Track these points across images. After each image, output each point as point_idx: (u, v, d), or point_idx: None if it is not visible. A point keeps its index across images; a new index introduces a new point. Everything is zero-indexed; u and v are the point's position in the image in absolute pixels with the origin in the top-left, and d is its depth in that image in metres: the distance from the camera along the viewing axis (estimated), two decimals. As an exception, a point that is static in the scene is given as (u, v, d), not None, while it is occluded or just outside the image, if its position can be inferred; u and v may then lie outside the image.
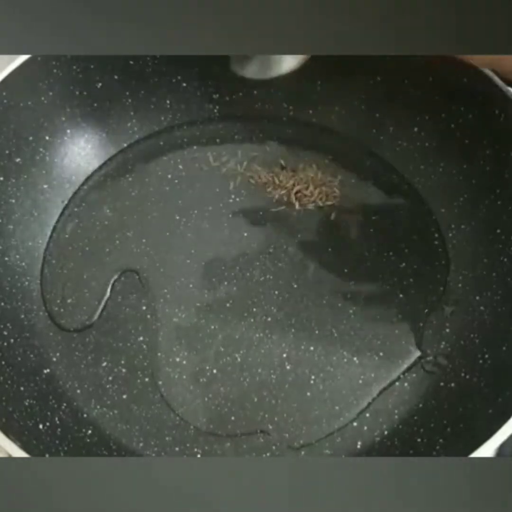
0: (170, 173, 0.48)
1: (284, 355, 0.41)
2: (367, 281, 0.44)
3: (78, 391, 0.40)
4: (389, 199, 0.47)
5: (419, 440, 0.38)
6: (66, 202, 0.47)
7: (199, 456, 0.38)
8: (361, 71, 0.46)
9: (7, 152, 0.43)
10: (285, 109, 0.50)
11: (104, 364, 0.41)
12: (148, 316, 0.43)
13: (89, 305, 0.43)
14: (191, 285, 0.44)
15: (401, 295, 0.43)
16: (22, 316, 0.42)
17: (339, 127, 0.50)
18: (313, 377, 0.40)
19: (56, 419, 0.38)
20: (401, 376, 0.40)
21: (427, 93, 0.45)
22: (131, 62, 0.47)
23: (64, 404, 0.39)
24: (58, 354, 0.41)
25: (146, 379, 0.40)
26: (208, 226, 0.46)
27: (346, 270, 0.44)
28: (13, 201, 0.44)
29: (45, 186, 0.46)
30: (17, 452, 0.31)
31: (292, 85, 0.48)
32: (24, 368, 0.39)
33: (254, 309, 0.43)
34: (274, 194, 0.47)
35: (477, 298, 0.42)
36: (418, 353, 0.41)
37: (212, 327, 0.42)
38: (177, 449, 0.38)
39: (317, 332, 0.42)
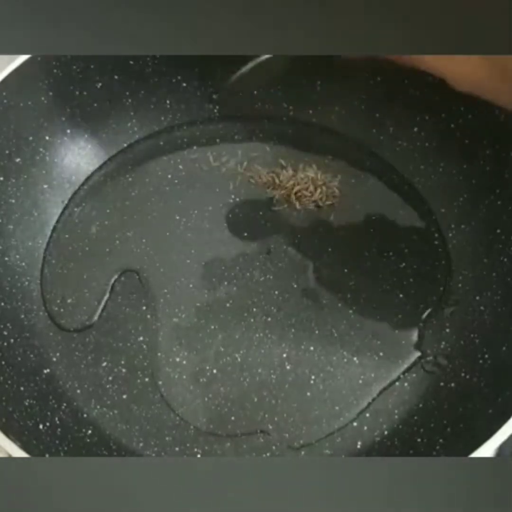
0: (170, 173, 0.48)
1: (284, 355, 0.41)
2: (367, 281, 0.44)
3: (78, 391, 0.40)
4: (389, 199, 0.47)
5: (419, 440, 0.38)
6: (66, 202, 0.47)
7: (199, 456, 0.38)
8: (361, 71, 0.46)
9: (7, 152, 0.43)
10: (285, 109, 0.50)
11: (104, 364, 0.41)
12: (148, 316, 0.43)
13: (89, 305, 0.43)
14: (191, 285, 0.44)
15: (401, 295, 0.43)
16: (22, 316, 0.42)
17: (339, 127, 0.50)
18: (313, 377, 0.40)
19: (56, 419, 0.38)
20: (401, 376, 0.40)
21: (427, 93, 0.45)
22: (131, 62, 0.47)
23: (64, 404, 0.39)
24: (58, 354, 0.41)
25: (146, 379, 0.40)
26: (208, 226, 0.46)
27: (346, 270, 0.44)
28: (13, 201, 0.44)
29: (45, 186, 0.46)
30: (17, 452, 0.31)
31: (292, 85, 0.48)
32: (24, 368, 0.39)
33: (254, 309, 0.43)
34: (274, 194, 0.47)
35: (477, 298, 0.42)
36: (418, 353, 0.41)
37: (212, 327, 0.42)
38: (177, 449, 0.38)
39: (317, 332, 0.42)
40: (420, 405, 0.39)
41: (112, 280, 0.44)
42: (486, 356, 0.39)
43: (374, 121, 0.48)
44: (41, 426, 0.37)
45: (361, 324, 0.42)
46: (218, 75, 0.48)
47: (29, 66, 0.42)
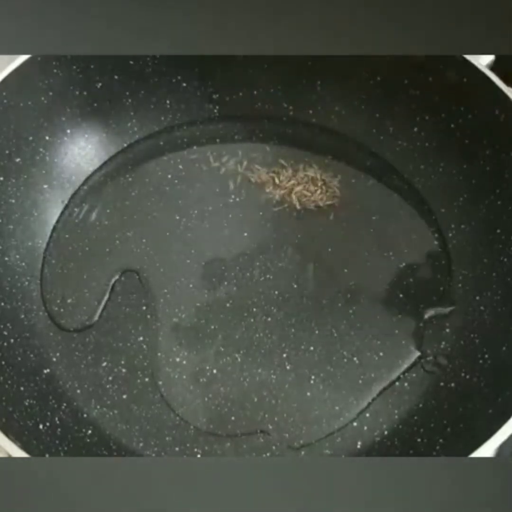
0: (170, 173, 0.48)
1: (284, 355, 0.41)
2: (367, 281, 0.44)
3: (78, 391, 0.40)
4: (389, 199, 0.47)
5: (419, 440, 0.38)
6: (66, 202, 0.47)
7: (199, 456, 0.38)
8: (361, 71, 0.46)
9: (7, 152, 0.43)
10: (285, 109, 0.50)
11: (104, 364, 0.41)
12: (148, 316, 0.43)
13: (89, 305, 0.43)
14: (191, 285, 0.44)
15: (401, 295, 0.43)
16: (22, 316, 0.42)
17: (339, 127, 0.50)
18: (313, 377, 0.40)
19: (56, 419, 0.38)
20: (401, 376, 0.40)
21: (427, 93, 0.45)
22: (131, 62, 0.47)
23: (64, 404, 0.39)
24: (58, 354, 0.41)
25: (146, 379, 0.40)
26: (208, 226, 0.46)
27: (346, 270, 0.44)
28: (13, 201, 0.44)
29: (45, 186, 0.46)
30: (17, 452, 0.31)
31: (292, 85, 0.48)
32: (24, 368, 0.39)
33: (254, 309, 0.43)
34: (274, 194, 0.47)
35: (477, 298, 0.42)
36: (418, 353, 0.41)
37: (212, 327, 0.42)
38: (177, 449, 0.38)
39: (317, 332, 0.42)
40: (420, 405, 0.39)
41: (112, 280, 0.44)
42: (486, 356, 0.39)
43: (374, 121, 0.48)
44: (41, 426, 0.37)
45: (361, 324, 0.42)
46: (218, 75, 0.48)
47: (29, 66, 0.42)
